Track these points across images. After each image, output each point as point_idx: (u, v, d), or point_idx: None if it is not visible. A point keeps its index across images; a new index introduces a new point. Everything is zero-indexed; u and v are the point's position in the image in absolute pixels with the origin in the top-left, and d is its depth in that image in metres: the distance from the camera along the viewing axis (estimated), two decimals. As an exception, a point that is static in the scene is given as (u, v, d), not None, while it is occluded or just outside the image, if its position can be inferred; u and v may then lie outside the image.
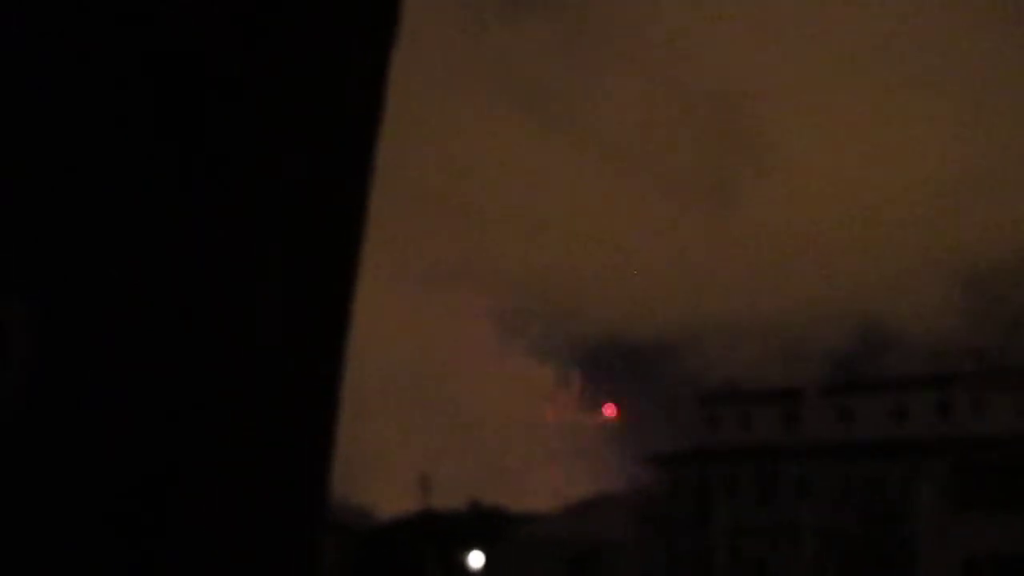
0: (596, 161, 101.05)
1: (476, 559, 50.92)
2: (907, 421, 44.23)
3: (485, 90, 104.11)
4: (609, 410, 76.94)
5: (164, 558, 1.05)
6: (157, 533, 1.04)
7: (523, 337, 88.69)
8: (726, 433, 49.09)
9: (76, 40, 1.05)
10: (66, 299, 1.03)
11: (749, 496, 46.51)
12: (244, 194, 1.09)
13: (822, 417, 46.72)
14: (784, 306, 72.21)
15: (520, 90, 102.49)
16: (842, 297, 71.53)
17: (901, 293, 73.48)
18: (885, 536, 41.60)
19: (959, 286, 68.28)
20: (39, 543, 1.01)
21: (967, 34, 77.81)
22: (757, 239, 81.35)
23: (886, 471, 42.84)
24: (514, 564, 48.35)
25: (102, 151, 1.05)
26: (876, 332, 62.72)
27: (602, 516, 48.47)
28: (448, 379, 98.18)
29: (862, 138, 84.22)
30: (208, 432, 1.07)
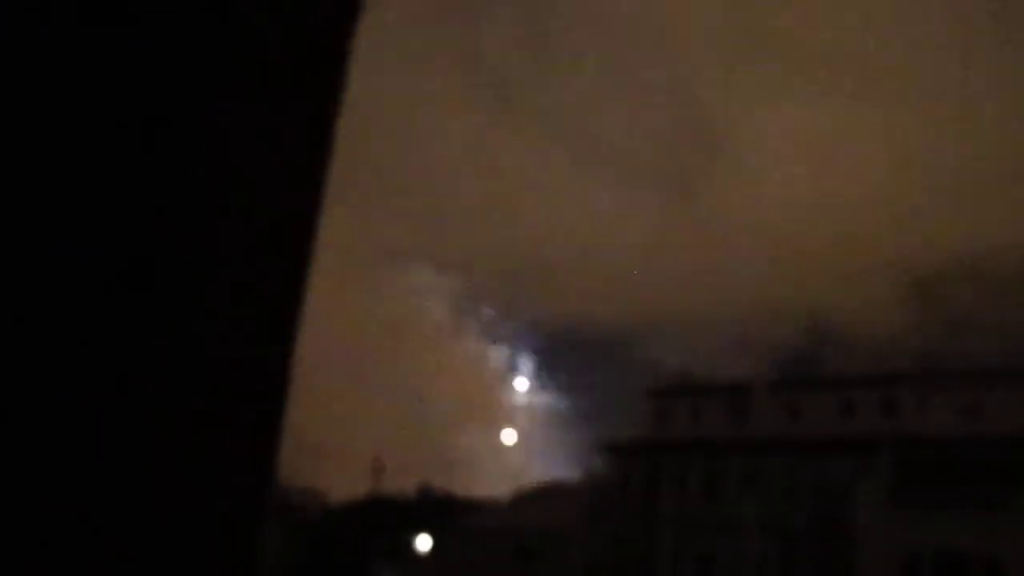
0: (556, 150, 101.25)
1: (424, 542, 50.95)
2: (853, 419, 44.90)
3: (450, 76, 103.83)
4: None
5: (110, 535, 1.03)
6: (106, 513, 1.03)
7: (478, 323, 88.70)
8: (677, 425, 49.52)
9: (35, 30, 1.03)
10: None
11: (697, 489, 46.98)
12: (199, 175, 1.08)
13: (770, 412, 47.29)
14: (737, 302, 73.03)
15: (485, 77, 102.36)
16: (793, 295, 72.49)
17: (850, 294, 74.60)
18: (829, 532, 42.24)
19: (905, 289, 69.45)
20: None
21: (923, 43, 78.92)
22: (713, 235, 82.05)
23: (832, 467, 43.48)
24: (462, 551, 48.45)
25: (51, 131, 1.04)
26: (824, 330, 63.60)
27: (551, 505, 48.70)
28: (402, 363, 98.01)
29: (818, 141, 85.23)
30: (156, 412, 1.06)
